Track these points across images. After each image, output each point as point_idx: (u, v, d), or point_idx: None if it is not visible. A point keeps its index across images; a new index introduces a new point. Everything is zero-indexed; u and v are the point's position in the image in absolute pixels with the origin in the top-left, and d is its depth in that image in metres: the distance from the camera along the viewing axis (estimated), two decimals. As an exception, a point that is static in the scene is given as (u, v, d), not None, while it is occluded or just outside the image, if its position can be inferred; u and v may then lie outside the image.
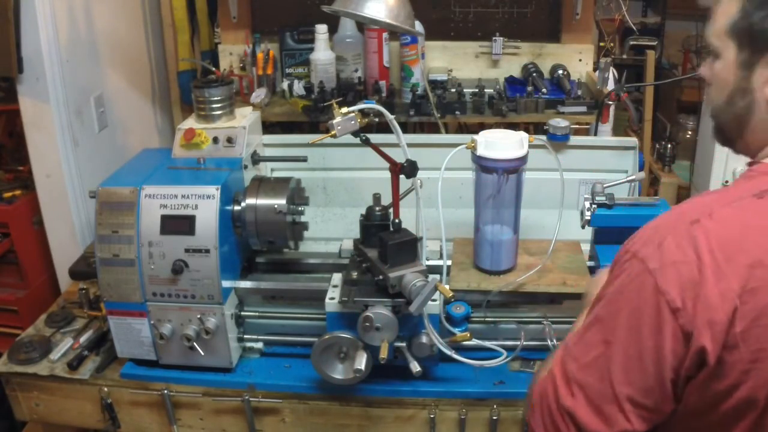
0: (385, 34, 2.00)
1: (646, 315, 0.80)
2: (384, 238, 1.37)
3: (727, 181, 1.75)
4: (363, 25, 2.00)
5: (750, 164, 0.93)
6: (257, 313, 1.60)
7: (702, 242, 0.79)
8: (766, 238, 0.80)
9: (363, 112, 1.36)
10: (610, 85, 1.92)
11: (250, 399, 1.53)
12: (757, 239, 0.79)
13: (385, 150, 1.40)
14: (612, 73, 1.94)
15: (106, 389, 1.57)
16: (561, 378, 0.87)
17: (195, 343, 1.49)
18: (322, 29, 2.00)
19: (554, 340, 1.46)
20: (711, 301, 0.77)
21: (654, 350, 0.80)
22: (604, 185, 1.54)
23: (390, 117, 1.38)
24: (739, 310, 0.77)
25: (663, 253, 0.80)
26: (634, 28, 2.45)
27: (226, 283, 1.49)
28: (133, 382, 1.57)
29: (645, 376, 0.81)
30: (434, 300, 1.39)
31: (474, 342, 1.47)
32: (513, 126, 1.85)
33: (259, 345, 1.61)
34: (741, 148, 0.96)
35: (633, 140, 1.77)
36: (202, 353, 1.51)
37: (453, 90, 2.01)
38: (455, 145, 1.53)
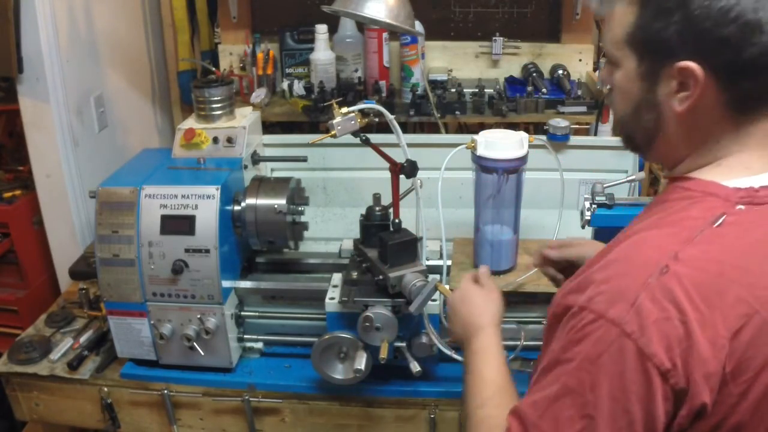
0: (385, 34, 2.00)
1: (632, 383, 0.72)
2: (384, 238, 1.37)
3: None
4: (363, 25, 2.00)
5: (674, 178, 0.87)
6: (257, 313, 1.60)
7: (679, 293, 0.72)
8: (740, 273, 0.75)
9: (363, 112, 1.36)
10: (610, 85, 1.91)
11: (250, 399, 1.53)
12: (733, 276, 0.75)
13: (385, 150, 1.40)
14: (612, 73, 1.94)
15: (106, 389, 1.57)
16: None
17: (195, 343, 1.49)
18: (322, 29, 2.00)
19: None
20: (704, 355, 0.72)
21: (645, 417, 0.73)
22: (604, 185, 1.54)
23: (390, 117, 1.38)
24: (728, 353, 0.73)
25: (640, 314, 0.72)
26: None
27: (226, 283, 1.49)
28: (133, 382, 1.57)
29: None
30: (434, 300, 1.39)
31: (474, 342, 1.47)
32: (513, 126, 1.85)
33: (259, 345, 1.61)
34: (654, 158, 0.92)
35: (633, 140, 1.77)
36: (202, 353, 1.51)
37: (453, 90, 2.01)
38: (455, 145, 1.53)
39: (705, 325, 0.72)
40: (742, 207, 0.79)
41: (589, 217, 1.53)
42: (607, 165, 1.75)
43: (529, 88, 1.98)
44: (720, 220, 0.77)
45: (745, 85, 0.78)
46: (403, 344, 1.42)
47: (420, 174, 1.41)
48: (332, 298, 1.44)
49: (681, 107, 0.80)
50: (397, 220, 1.41)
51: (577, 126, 1.90)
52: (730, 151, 0.82)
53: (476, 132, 1.53)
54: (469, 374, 1.02)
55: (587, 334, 0.74)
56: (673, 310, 0.72)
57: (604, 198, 1.52)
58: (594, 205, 1.52)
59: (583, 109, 1.94)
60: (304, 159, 1.72)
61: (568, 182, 1.58)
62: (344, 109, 1.32)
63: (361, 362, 1.38)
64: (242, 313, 1.59)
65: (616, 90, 0.88)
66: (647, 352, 0.71)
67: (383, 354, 1.35)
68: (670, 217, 0.80)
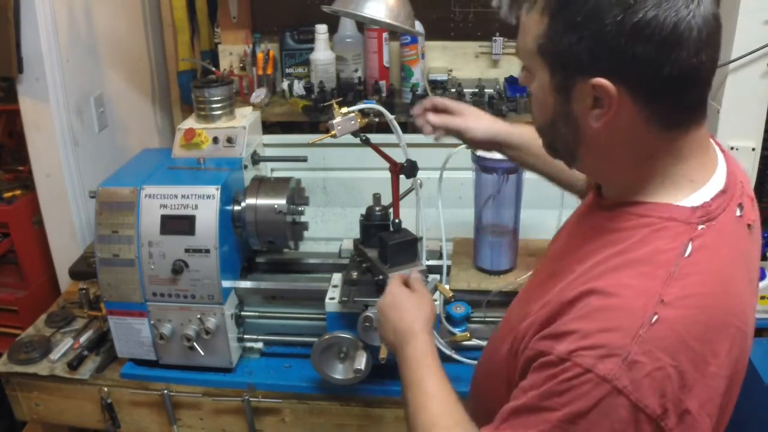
0: (385, 34, 2.00)
1: None
2: (384, 238, 1.37)
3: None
4: (363, 25, 2.00)
5: (620, 204, 0.82)
6: (257, 313, 1.60)
7: (671, 340, 0.70)
8: (719, 298, 0.74)
9: (363, 112, 1.36)
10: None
11: (250, 399, 1.53)
12: (715, 304, 0.74)
13: (385, 150, 1.40)
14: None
15: (106, 389, 1.57)
16: None
17: (195, 343, 1.49)
18: (322, 29, 2.00)
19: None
20: (697, 389, 0.72)
21: None
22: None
23: (390, 117, 1.38)
24: (722, 376, 0.74)
25: (632, 369, 0.69)
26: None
27: (226, 283, 1.49)
28: (133, 382, 1.57)
29: None
30: (434, 300, 1.39)
31: (474, 342, 1.47)
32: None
33: (259, 345, 1.61)
34: (581, 169, 0.88)
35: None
36: (202, 353, 1.51)
37: (453, 90, 2.01)
38: (455, 145, 1.53)
39: (697, 362, 0.71)
40: (703, 227, 0.76)
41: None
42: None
43: (529, 88, 1.98)
44: (689, 250, 0.74)
45: (667, 101, 0.74)
46: (403, 344, 1.41)
47: (420, 174, 1.41)
48: (332, 298, 1.45)
49: (597, 124, 0.76)
50: (397, 220, 1.41)
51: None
52: (665, 165, 0.78)
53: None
54: (409, 387, 0.98)
55: (573, 387, 0.71)
56: (666, 358, 0.70)
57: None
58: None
59: (583, 109, 1.93)
60: (304, 159, 1.72)
61: (568, 182, 1.57)
62: (344, 109, 1.32)
63: (361, 362, 1.38)
64: (242, 313, 1.59)
65: (533, 98, 0.84)
66: (641, 405, 0.70)
67: (383, 354, 1.35)
68: (637, 252, 0.76)
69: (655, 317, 0.70)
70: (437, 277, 1.38)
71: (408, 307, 1.11)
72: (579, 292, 0.76)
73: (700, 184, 0.79)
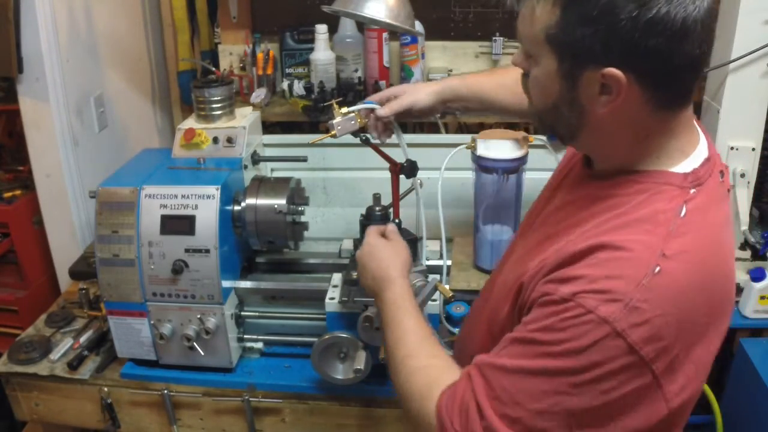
0: (385, 34, 2.00)
1: (616, 372, 0.76)
2: (384, 238, 1.37)
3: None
4: (363, 25, 2.00)
5: (618, 172, 0.87)
6: (257, 313, 1.60)
7: (671, 290, 0.76)
8: (713, 255, 0.81)
9: (363, 112, 1.36)
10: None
11: (250, 399, 1.53)
12: (711, 260, 0.81)
13: (385, 150, 1.40)
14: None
15: (106, 389, 1.57)
16: (499, 421, 0.80)
17: (195, 343, 1.49)
18: (322, 29, 2.00)
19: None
20: (693, 339, 0.79)
21: (621, 402, 0.77)
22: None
23: (390, 117, 1.38)
24: (715, 327, 0.82)
25: (633, 314, 0.75)
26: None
27: (226, 283, 1.49)
28: (133, 382, 1.57)
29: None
30: (434, 300, 1.39)
31: (474, 342, 1.47)
32: (513, 126, 1.85)
33: (259, 345, 1.61)
34: (580, 149, 0.94)
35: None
36: (202, 353, 1.51)
37: (453, 90, 2.01)
38: (455, 145, 1.53)
39: (693, 314, 0.78)
40: (694, 190, 0.83)
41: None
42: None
43: (529, 88, 1.98)
44: (684, 211, 0.81)
45: (671, 88, 0.81)
46: (403, 344, 1.41)
47: (420, 174, 1.41)
48: (332, 298, 1.45)
49: (603, 109, 0.81)
50: (397, 220, 1.41)
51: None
52: (660, 142, 0.84)
53: (476, 132, 1.53)
54: (387, 326, 1.04)
55: (573, 325, 0.76)
56: (666, 306, 0.75)
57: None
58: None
59: (583, 109, 1.93)
60: (304, 159, 1.72)
61: (568, 182, 1.57)
62: (344, 109, 1.32)
63: (361, 362, 1.38)
64: (242, 313, 1.59)
65: (533, 82, 0.87)
66: (636, 348, 0.75)
67: (383, 354, 1.34)
68: (638, 213, 0.82)
69: (658, 268, 0.76)
70: (437, 277, 1.37)
71: (385, 255, 1.17)
72: (588, 245, 0.81)
73: (689, 155, 0.86)
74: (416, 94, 1.33)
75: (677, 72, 0.79)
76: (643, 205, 0.82)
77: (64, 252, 1.91)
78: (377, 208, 1.46)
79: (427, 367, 0.94)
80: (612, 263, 0.78)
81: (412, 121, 2.03)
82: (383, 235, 1.25)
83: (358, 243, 1.48)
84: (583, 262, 0.80)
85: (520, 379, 0.80)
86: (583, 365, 0.76)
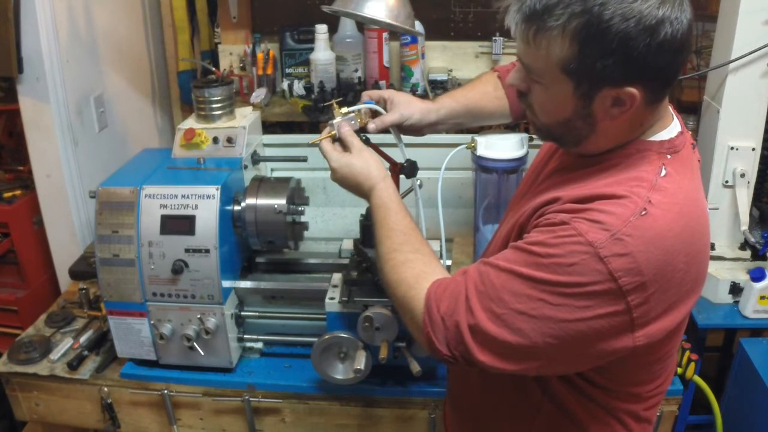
0: (385, 34, 2.00)
1: (594, 293, 0.85)
2: (384, 238, 1.37)
3: (727, 181, 1.75)
4: (363, 25, 2.00)
5: (613, 149, 0.96)
6: (257, 313, 1.60)
7: (654, 231, 0.86)
8: (689, 210, 0.90)
9: (373, 111, 1.36)
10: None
11: (250, 399, 1.53)
12: (687, 212, 0.90)
13: (385, 150, 1.40)
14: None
15: (106, 389, 1.57)
16: (483, 313, 0.91)
17: (195, 343, 1.49)
18: (322, 29, 2.00)
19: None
20: (669, 276, 0.87)
21: (594, 325, 0.87)
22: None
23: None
24: (693, 266, 0.90)
25: (617, 244, 0.84)
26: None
27: (226, 283, 1.49)
28: (133, 382, 1.57)
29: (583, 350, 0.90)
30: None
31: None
32: (513, 126, 1.85)
33: (259, 345, 1.61)
34: (579, 151, 1.00)
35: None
36: (202, 353, 1.51)
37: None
38: (455, 145, 1.53)
39: (672, 256, 0.86)
40: (669, 156, 0.95)
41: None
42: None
43: (529, 88, 1.98)
44: (663, 172, 0.92)
45: (668, 88, 0.93)
46: (403, 344, 1.41)
47: (420, 174, 1.41)
48: (332, 298, 1.45)
49: (615, 119, 0.92)
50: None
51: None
52: (647, 125, 0.96)
53: (476, 132, 1.53)
54: (375, 225, 1.14)
55: (563, 243, 0.87)
56: (649, 245, 0.85)
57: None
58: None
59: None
60: (304, 159, 1.72)
61: (568, 182, 1.57)
62: (344, 109, 1.32)
63: (361, 362, 1.38)
64: (242, 313, 1.59)
65: (540, 102, 0.96)
66: (615, 276, 0.84)
67: (383, 354, 1.35)
68: (627, 174, 0.93)
69: (644, 211, 0.87)
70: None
71: (357, 168, 1.20)
72: (587, 194, 0.92)
73: (667, 126, 0.98)
74: (407, 109, 1.31)
75: (675, 77, 0.92)
76: (630, 168, 0.94)
77: (64, 252, 1.91)
78: (377, 208, 1.46)
79: (412, 261, 1.05)
80: (608, 205, 0.88)
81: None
82: (344, 148, 1.25)
83: (358, 243, 1.48)
84: (582, 204, 0.90)
85: (509, 279, 0.91)
86: (566, 281, 0.86)
